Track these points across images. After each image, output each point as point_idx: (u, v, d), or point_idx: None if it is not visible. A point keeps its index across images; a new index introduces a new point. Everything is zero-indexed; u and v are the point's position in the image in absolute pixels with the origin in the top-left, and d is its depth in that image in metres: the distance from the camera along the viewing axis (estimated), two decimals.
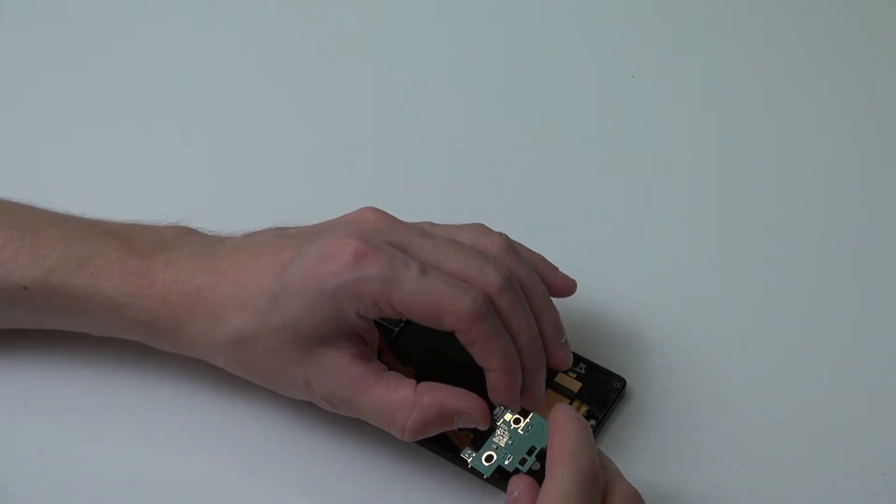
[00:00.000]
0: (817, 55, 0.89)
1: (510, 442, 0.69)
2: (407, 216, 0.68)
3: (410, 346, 0.73)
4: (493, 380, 0.65)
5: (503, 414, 0.69)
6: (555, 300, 0.68)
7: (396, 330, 0.73)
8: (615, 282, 0.77)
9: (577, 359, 0.72)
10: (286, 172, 0.83)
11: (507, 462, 0.68)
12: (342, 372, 0.65)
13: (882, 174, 0.83)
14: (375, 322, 0.68)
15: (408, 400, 0.65)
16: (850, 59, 0.89)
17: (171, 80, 0.88)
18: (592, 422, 0.70)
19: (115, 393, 0.72)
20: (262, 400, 0.71)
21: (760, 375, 0.73)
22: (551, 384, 0.71)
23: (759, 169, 0.83)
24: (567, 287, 0.70)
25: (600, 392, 0.71)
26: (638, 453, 0.70)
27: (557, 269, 0.70)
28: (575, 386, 0.72)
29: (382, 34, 0.91)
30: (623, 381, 0.72)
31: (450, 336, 0.72)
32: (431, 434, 0.66)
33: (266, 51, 0.90)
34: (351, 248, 0.64)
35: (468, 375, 0.71)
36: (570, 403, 0.71)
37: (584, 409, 0.71)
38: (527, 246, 0.69)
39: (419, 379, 0.72)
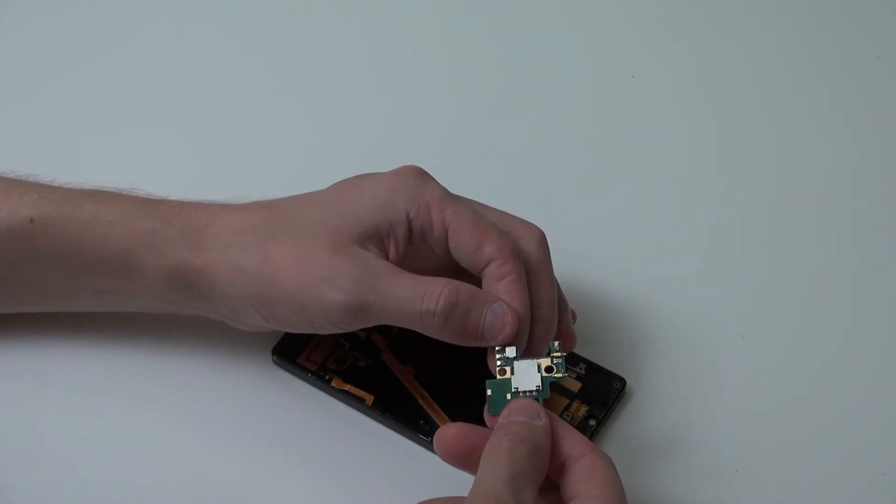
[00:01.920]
0: (817, 55, 0.89)
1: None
2: None
3: (410, 347, 0.73)
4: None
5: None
6: None
7: (396, 330, 0.73)
8: (615, 282, 0.77)
9: (577, 359, 0.72)
10: (284, 162, 0.83)
11: None
12: (376, 261, 0.66)
13: (882, 174, 0.83)
14: (375, 325, 0.69)
15: (440, 281, 0.65)
16: (850, 59, 0.89)
17: (172, 73, 0.89)
18: (592, 422, 0.70)
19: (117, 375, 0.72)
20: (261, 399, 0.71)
21: (760, 375, 0.73)
22: (551, 384, 0.71)
23: (759, 169, 0.83)
24: (568, 336, 0.70)
25: (600, 392, 0.71)
26: (638, 453, 0.70)
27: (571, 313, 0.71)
28: (575, 386, 0.72)
29: (382, 32, 0.91)
30: (623, 381, 0.72)
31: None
32: (457, 322, 0.65)
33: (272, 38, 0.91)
34: (416, 168, 0.68)
35: (467, 377, 0.71)
36: (570, 403, 0.71)
37: (584, 409, 0.71)
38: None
39: (419, 379, 0.72)
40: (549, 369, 0.65)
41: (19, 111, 0.87)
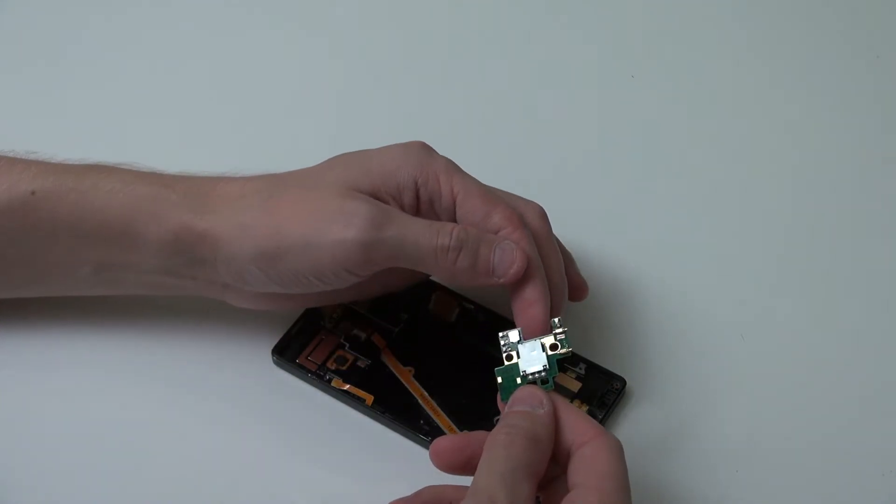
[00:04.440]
0: (817, 55, 0.89)
1: None
2: None
3: (410, 347, 0.73)
4: (530, 286, 0.66)
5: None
6: None
7: (396, 330, 0.73)
8: (615, 282, 0.77)
9: (577, 359, 0.72)
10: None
11: None
12: (386, 205, 0.66)
13: (882, 174, 0.83)
14: (375, 324, 0.68)
15: (450, 223, 0.66)
16: (850, 59, 0.89)
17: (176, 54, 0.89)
18: None
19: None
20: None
21: (760, 375, 0.73)
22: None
23: (759, 169, 0.83)
24: (581, 284, 0.72)
25: (600, 392, 0.71)
26: (638, 453, 0.70)
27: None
28: (575, 386, 0.72)
29: (382, 29, 0.91)
30: (623, 381, 0.72)
31: (449, 337, 0.72)
32: (469, 256, 0.66)
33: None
34: (422, 142, 0.69)
35: (467, 376, 0.71)
36: (570, 403, 0.71)
37: (584, 409, 0.71)
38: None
39: (419, 379, 0.72)
40: (553, 347, 0.65)
41: (21, 94, 0.87)
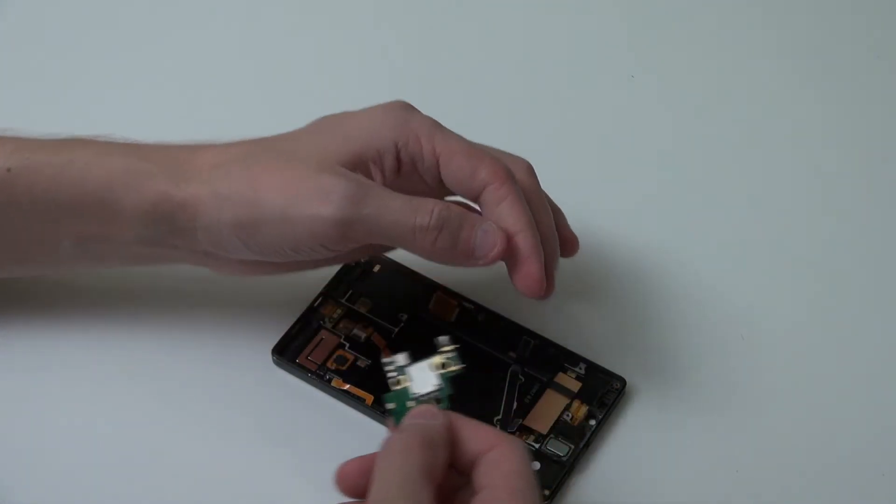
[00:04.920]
0: (817, 55, 0.89)
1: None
2: None
3: (410, 347, 0.73)
4: (522, 240, 0.65)
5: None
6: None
7: (396, 330, 0.73)
8: (615, 282, 0.77)
9: (577, 359, 0.72)
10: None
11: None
12: (366, 180, 0.66)
13: (882, 175, 0.83)
14: (376, 324, 0.68)
15: (432, 199, 0.65)
16: (850, 59, 0.89)
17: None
18: (592, 422, 0.70)
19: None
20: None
21: (760, 376, 0.73)
22: (551, 383, 0.71)
23: (759, 169, 0.83)
24: (572, 239, 0.71)
25: (600, 392, 0.71)
26: (638, 453, 0.70)
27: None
28: (575, 386, 0.72)
29: (384, 23, 0.91)
30: (623, 381, 0.72)
31: (450, 336, 0.71)
32: (449, 237, 0.65)
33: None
34: (403, 101, 0.68)
35: (467, 376, 0.71)
36: (570, 403, 0.71)
37: (584, 408, 0.71)
38: None
39: None
40: (444, 365, 0.63)
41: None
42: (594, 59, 0.89)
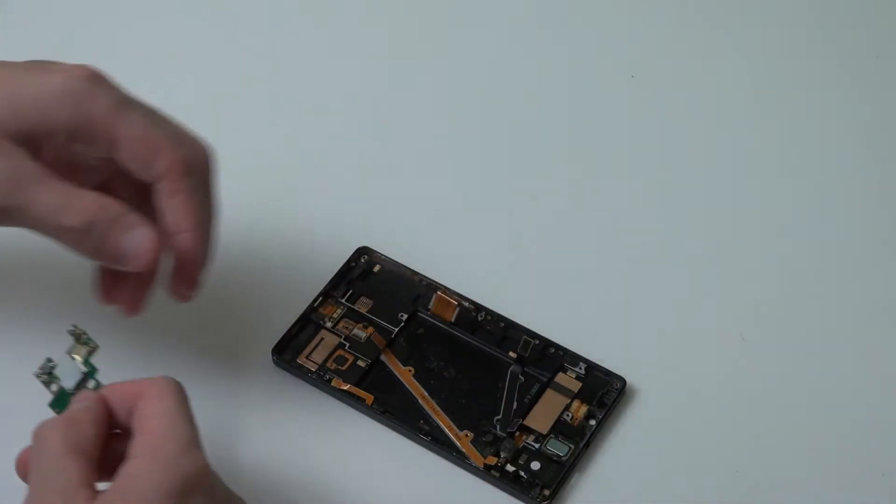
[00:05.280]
0: (818, 55, 0.89)
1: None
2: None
3: (410, 347, 0.73)
4: (185, 241, 0.63)
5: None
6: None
7: (396, 330, 0.73)
8: (615, 282, 0.77)
9: (577, 359, 0.72)
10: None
11: None
12: (30, 163, 0.61)
13: (882, 175, 0.83)
14: (376, 324, 0.68)
15: (90, 197, 0.61)
16: (850, 59, 0.89)
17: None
18: (592, 422, 0.70)
19: None
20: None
21: (760, 375, 0.73)
22: (551, 383, 0.71)
23: (759, 169, 0.83)
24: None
25: (600, 392, 0.71)
26: (638, 453, 0.70)
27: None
28: (575, 386, 0.72)
29: (384, 30, 0.91)
30: (623, 381, 0.72)
31: (450, 336, 0.72)
32: (94, 241, 0.61)
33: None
34: (90, 71, 0.62)
35: (467, 376, 0.71)
36: (570, 403, 0.71)
37: (584, 408, 0.71)
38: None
39: (419, 379, 0.72)
40: (80, 348, 0.62)
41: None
42: (594, 59, 0.89)
